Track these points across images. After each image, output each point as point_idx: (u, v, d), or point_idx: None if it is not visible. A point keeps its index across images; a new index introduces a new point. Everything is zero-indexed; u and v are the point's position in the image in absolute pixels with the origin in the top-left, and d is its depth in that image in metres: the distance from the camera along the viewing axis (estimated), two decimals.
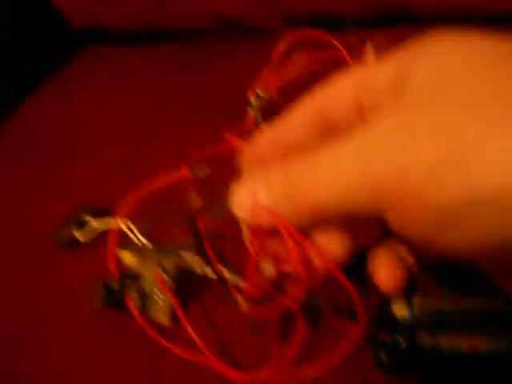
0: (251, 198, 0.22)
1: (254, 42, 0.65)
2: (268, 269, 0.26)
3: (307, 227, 0.23)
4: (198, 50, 0.66)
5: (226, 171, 0.29)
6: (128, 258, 0.30)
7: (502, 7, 0.60)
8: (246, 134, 0.46)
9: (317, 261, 0.24)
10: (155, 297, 0.29)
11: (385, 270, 0.25)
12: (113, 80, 0.62)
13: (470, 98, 0.18)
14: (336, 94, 0.24)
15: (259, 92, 0.47)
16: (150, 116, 0.53)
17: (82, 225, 0.37)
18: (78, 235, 0.36)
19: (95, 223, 0.37)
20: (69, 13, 0.67)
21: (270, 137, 0.26)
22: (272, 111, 0.48)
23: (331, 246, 0.24)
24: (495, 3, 0.61)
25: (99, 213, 0.39)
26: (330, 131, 0.24)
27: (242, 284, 0.27)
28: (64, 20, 0.68)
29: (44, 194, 0.44)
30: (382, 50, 0.47)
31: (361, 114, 0.24)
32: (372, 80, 0.23)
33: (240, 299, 0.25)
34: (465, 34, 0.21)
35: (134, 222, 0.36)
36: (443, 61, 0.20)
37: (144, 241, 0.34)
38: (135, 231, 0.35)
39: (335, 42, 0.47)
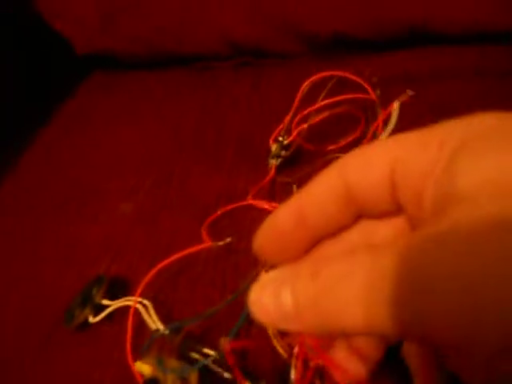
0: (274, 302, 0.19)
1: (267, 64, 0.62)
2: None
3: None
4: (210, 75, 0.63)
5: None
6: (147, 370, 0.27)
7: None
8: (268, 187, 0.43)
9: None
10: None
11: (427, 369, 0.22)
12: (120, 112, 0.59)
13: None
14: (368, 168, 0.21)
15: (281, 138, 0.43)
16: (161, 157, 0.50)
17: (95, 306, 0.34)
18: (91, 319, 0.33)
19: (108, 303, 0.34)
20: (73, 39, 0.63)
21: (293, 209, 0.22)
22: (294, 157, 0.45)
23: (367, 349, 0.23)
24: None
25: (112, 285, 0.36)
26: (360, 207, 0.21)
27: None
28: (68, 46, 0.64)
29: (53, 258, 0.41)
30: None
31: (393, 196, 0.20)
32: (412, 164, 0.19)
33: None
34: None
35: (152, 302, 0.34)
36: (501, 155, 0.16)
37: (161, 327, 0.31)
38: (152, 315, 0.32)
39: (363, 83, 0.43)
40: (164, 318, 0.35)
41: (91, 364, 0.33)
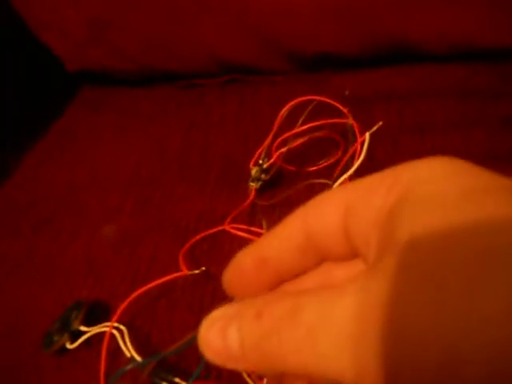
0: (221, 341, 0.19)
1: (256, 81, 0.63)
2: None
3: None
4: (198, 92, 0.64)
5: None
6: None
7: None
8: (248, 210, 0.44)
9: None
10: None
11: None
12: (107, 129, 0.60)
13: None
14: (324, 216, 0.21)
15: (261, 162, 0.44)
16: (145, 177, 0.51)
17: (73, 332, 0.34)
18: (69, 345, 0.34)
19: (86, 329, 0.34)
20: (63, 55, 0.64)
21: (255, 253, 0.23)
22: (274, 179, 0.46)
23: None
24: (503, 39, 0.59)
25: (93, 309, 0.37)
26: (320, 252, 0.22)
27: None
28: (58, 62, 0.65)
29: (34, 281, 0.42)
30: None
31: (348, 242, 0.20)
32: (361, 211, 0.19)
33: None
34: (464, 168, 0.17)
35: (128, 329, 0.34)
36: (442, 205, 0.16)
37: (136, 355, 0.32)
38: (127, 342, 0.33)
39: (342, 108, 0.44)
40: (141, 343, 0.35)
41: None
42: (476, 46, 0.60)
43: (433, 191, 0.17)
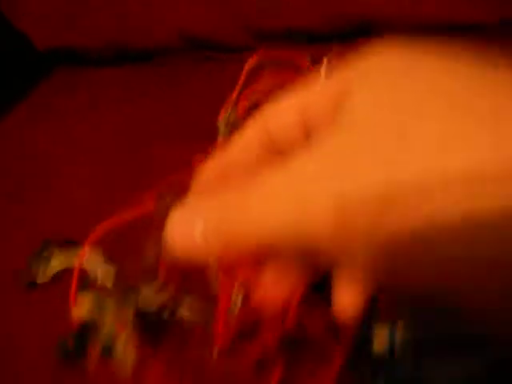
0: (187, 232, 0.19)
1: (225, 59, 0.65)
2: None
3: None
4: (168, 70, 0.65)
5: None
6: (87, 305, 0.28)
7: (461, 18, 0.60)
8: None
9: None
10: (115, 348, 0.27)
11: (343, 295, 0.21)
12: (80, 105, 0.61)
13: (407, 119, 0.16)
14: (281, 114, 0.22)
15: (228, 115, 0.45)
16: (119, 142, 0.52)
17: (44, 262, 0.35)
18: (39, 277, 0.34)
19: (57, 262, 0.35)
20: (33, 35, 0.65)
21: (218, 161, 0.24)
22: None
23: (288, 276, 0.21)
24: (457, 15, 0.61)
25: (64, 245, 0.38)
26: (279, 154, 0.22)
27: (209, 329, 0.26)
28: (29, 43, 0.66)
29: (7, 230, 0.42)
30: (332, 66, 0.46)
31: (307, 136, 0.21)
32: (315, 100, 0.20)
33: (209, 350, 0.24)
34: (410, 46, 0.19)
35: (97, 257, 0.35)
36: (383, 79, 0.18)
37: (106, 281, 0.33)
38: (98, 269, 0.34)
39: (305, 61, 0.46)
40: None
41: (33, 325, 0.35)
42: (445, 23, 0.61)
43: (385, 67, 0.18)
